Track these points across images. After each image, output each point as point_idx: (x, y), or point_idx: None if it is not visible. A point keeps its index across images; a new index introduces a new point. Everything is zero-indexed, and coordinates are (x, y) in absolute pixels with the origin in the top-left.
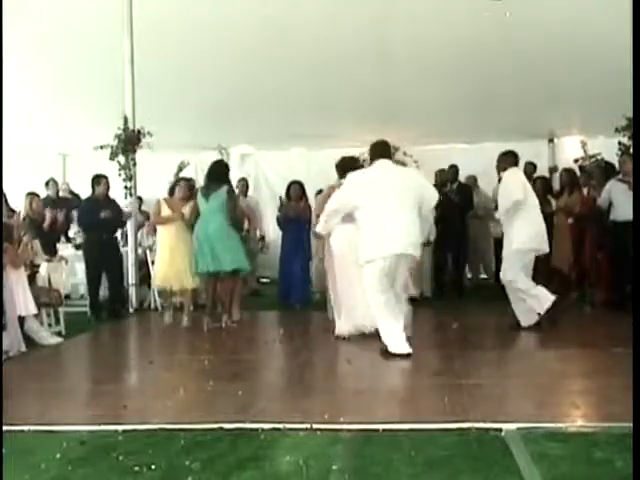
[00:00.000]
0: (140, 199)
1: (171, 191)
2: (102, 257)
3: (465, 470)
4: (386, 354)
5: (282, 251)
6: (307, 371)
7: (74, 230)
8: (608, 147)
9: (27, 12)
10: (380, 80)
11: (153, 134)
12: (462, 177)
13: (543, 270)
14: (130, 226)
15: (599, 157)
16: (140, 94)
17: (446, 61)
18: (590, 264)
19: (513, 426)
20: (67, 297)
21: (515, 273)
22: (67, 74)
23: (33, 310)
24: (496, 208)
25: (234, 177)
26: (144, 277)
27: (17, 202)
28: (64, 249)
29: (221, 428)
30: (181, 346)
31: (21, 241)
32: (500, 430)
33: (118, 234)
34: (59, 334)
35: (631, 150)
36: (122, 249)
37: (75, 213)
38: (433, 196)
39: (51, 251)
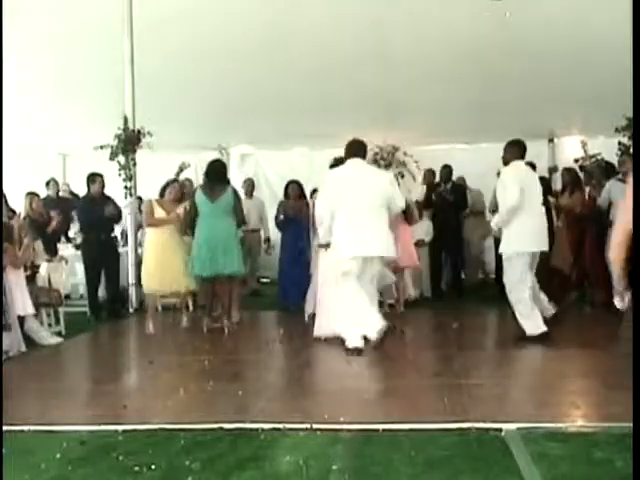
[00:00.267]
0: (140, 199)
1: (162, 192)
2: (101, 257)
3: (465, 470)
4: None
5: (281, 251)
6: (307, 371)
7: (74, 230)
8: (608, 147)
9: (27, 12)
10: (381, 80)
11: (153, 134)
12: (463, 178)
13: (543, 270)
14: (130, 226)
15: (599, 157)
16: (140, 94)
17: (446, 62)
18: (590, 264)
19: (513, 426)
20: (67, 297)
21: (514, 279)
22: (67, 74)
23: (31, 310)
24: (495, 209)
25: (234, 177)
26: None
27: (17, 202)
28: (64, 249)
29: (221, 428)
30: (181, 346)
31: (22, 242)
32: (500, 430)
33: (118, 234)
34: (59, 334)
35: (631, 150)
36: (122, 249)
37: (75, 213)
38: (398, 207)
39: (51, 251)
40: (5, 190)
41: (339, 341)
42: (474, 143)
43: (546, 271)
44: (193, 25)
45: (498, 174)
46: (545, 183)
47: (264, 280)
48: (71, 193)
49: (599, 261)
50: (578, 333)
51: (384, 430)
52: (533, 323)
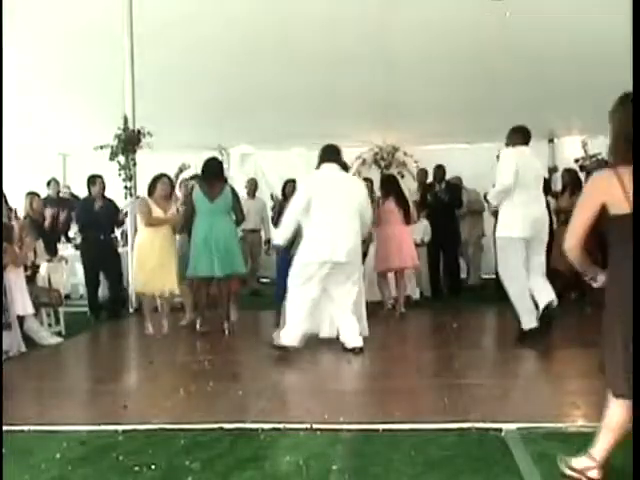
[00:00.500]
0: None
1: (151, 188)
2: (100, 257)
3: (465, 470)
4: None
5: (280, 251)
6: (306, 371)
7: (74, 230)
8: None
9: (27, 12)
10: (381, 80)
11: (153, 134)
12: (459, 177)
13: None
14: (130, 226)
15: (599, 157)
16: (140, 94)
17: (446, 62)
18: None
19: (513, 426)
20: (67, 297)
21: (507, 269)
22: (67, 74)
23: (30, 310)
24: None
25: (234, 177)
26: None
27: (17, 202)
28: (64, 249)
29: (221, 428)
30: (181, 346)
31: (23, 242)
32: (500, 430)
33: (118, 234)
34: (59, 334)
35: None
36: (122, 249)
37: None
38: (367, 218)
39: (51, 251)
40: (5, 190)
41: (338, 341)
42: (474, 143)
43: (546, 271)
44: (193, 26)
45: (498, 157)
46: (545, 183)
47: (264, 280)
48: (72, 195)
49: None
50: (578, 333)
51: (384, 430)
52: (527, 319)
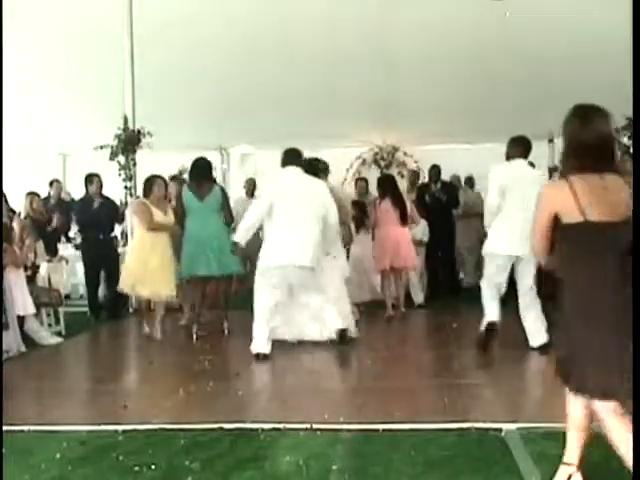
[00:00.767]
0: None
1: (146, 189)
2: (100, 257)
3: (465, 470)
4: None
5: None
6: (306, 371)
7: (74, 230)
8: None
9: (27, 12)
10: (381, 80)
11: (153, 134)
12: (457, 177)
13: (539, 272)
14: (129, 226)
15: None
16: (140, 94)
17: (447, 62)
18: None
19: (513, 426)
20: (67, 297)
21: (486, 278)
22: (67, 74)
23: (31, 310)
24: None
25: (234, 177)
26: None
27: (17, 202)
28: (64, 249)
29: (221, 428)
30: (180, 346)
31: (23, 242)
32: (500, 430)
33: (118, 234)
34: (59, 334)
35: (631, 150)
36: (122, 249)
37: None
38: (332, 219)
39: (51, 251)
40: (5, 190)
41: (332, 343)
42: (474, 143)
43: (543, 272)
44: (193, 26)
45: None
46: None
47: None
48: (72, 200)
49: None
50: None
51: (384, 430)
52: (487, 317)
